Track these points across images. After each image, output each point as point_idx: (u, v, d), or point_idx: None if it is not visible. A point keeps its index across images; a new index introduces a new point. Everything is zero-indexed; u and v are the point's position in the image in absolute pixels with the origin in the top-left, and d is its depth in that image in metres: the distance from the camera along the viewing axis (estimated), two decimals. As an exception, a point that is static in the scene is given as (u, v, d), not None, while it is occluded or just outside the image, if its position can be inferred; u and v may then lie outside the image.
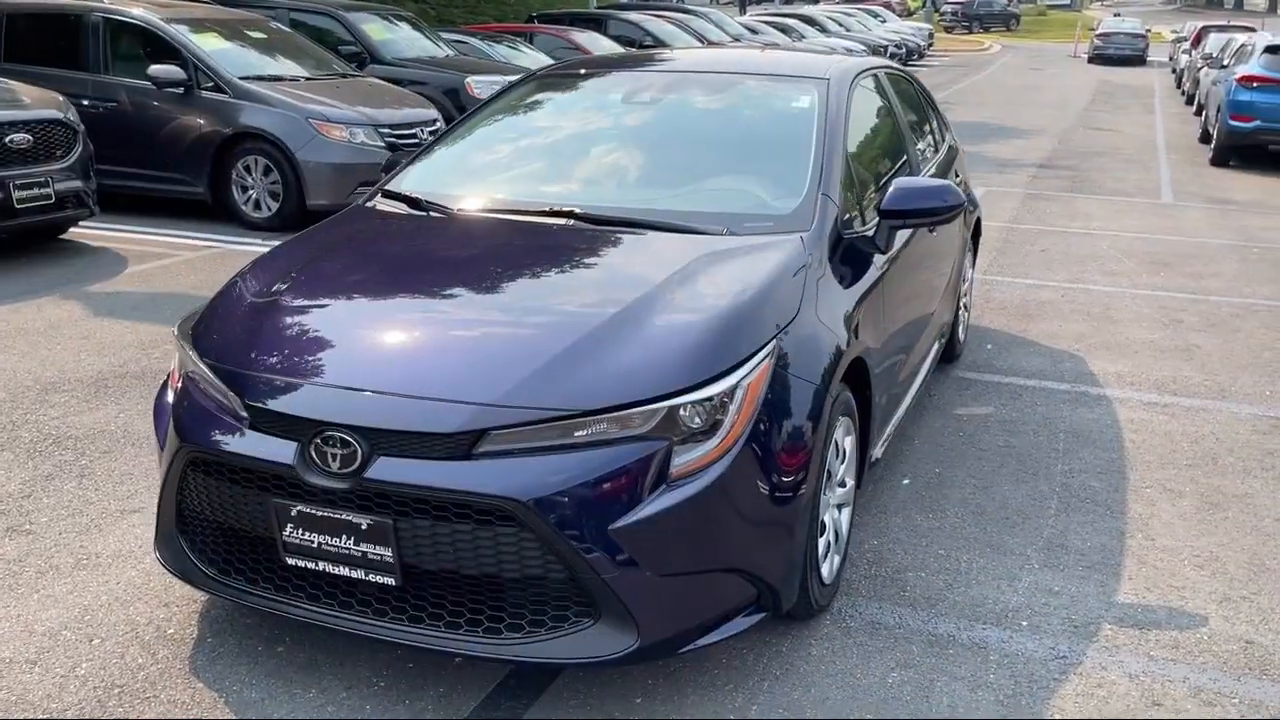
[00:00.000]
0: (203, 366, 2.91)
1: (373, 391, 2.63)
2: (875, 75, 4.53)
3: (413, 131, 9.35)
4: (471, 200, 3.70)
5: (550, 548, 2.50)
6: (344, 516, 2.59)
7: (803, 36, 25.78)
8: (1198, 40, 25.91)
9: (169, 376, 3.22)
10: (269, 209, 8.88)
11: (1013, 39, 49.26)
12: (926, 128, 5.14)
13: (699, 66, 4.46)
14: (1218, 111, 14.62)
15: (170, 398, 3.07)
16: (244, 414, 2.75)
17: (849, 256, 3.43)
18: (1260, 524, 3.90)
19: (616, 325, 2.77)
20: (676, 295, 2.91)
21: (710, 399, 2.60)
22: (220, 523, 2.85)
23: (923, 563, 3.55)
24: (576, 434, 2.54)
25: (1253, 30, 24.37)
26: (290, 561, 2.71)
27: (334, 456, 2.58)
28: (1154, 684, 2.91)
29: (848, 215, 3.52)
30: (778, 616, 2.93)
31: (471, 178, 3.98)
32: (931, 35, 36.68)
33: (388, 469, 2.54)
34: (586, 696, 2.81)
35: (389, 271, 3.26)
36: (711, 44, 19.71)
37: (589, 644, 2.55)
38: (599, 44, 16.74)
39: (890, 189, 3.63)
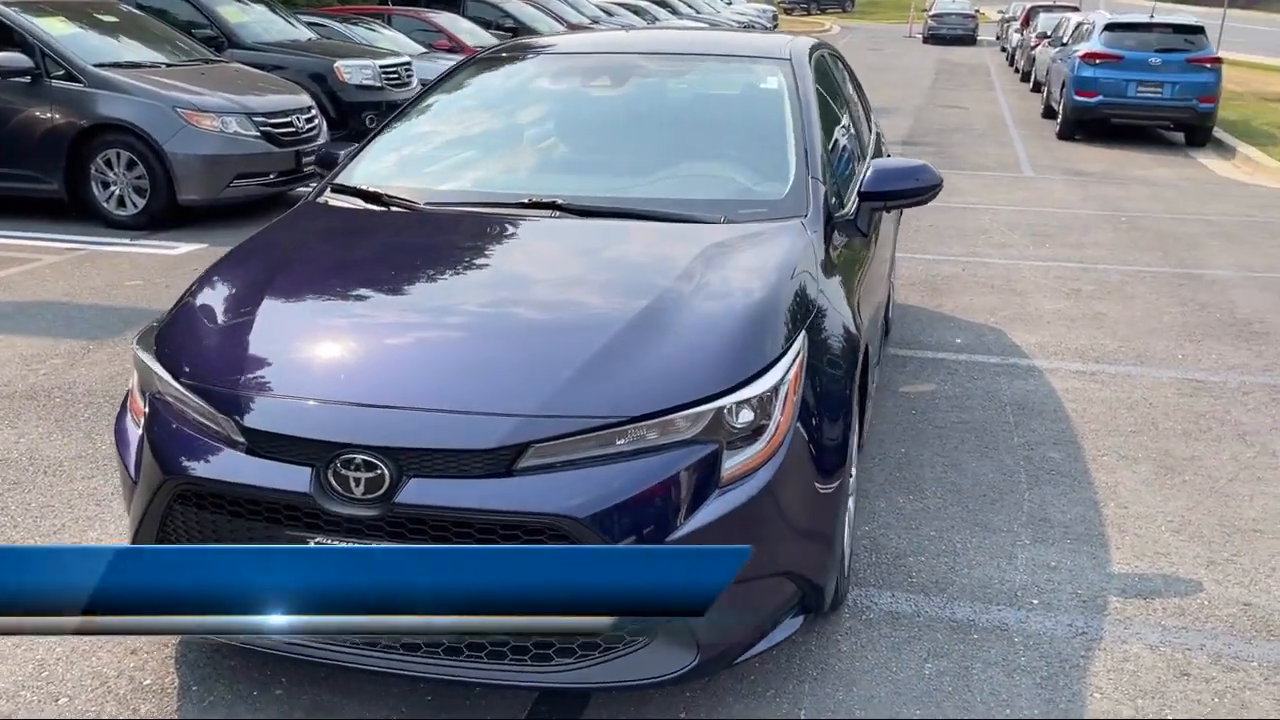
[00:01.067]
0: (179, 387, 2.61)
1: (398, 408, 2.40)
2: (823, 55, 4.48)
3: (289, 119, 8.87)
4: (438, 193, 3.47)
5: (606, 565, 2.33)
6: (372, 547, 2.36)
7: (656, 19, 25.75)
8: (1027, 20, 27.15)
9: (127, 400, 2.89)
10: (135, 206, 8.25)
11: (849, 20, 50.65)
12: (861, 108, 5.13)
13: (652, 47, 4.31)
14: (1062, 88, 15.32)
15: (134, 423, 2.75)
16: (240, 439, 2.47)
17: (842, 241, 3.36)
18: (1216, 485, 4.04)
19: (644, 324, 2.61)
20: (698, 289, 2.77)
21: (756, 397, 2.48)
22: (214, 560, 2.56)
23: (919, 547, 3.53)
24: (621, 443, 2.38)
25: (1075, 10, 25.80)
26: (305, 598, 2.46)
27: (357, 481, 2.34)
28: (1175, 653, 2.96)
29: (832, 199, 3.45)
30: (819, 616, 2.85)
31: (431, 169, 3.73)
32: (775, 17, 37.32)
33: (421, 492, 2.33)
34: (626, 715, 2.66)
35: (374, 274, 3.01)
36: (572, 26, 19.47)
37: (647, 664, 2.40)
38: (458, 25, 16.30)
39: (869, 170, 3.58)
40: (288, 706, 2.69)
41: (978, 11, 38.50)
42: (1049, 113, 16.88)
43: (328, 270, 3.07)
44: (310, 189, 3.69)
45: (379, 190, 3.47)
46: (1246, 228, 9.20)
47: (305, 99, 9.44)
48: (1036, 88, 20.67)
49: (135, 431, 2.74)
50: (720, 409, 2.44)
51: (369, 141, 3.83)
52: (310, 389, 2.51)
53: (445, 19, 16.34)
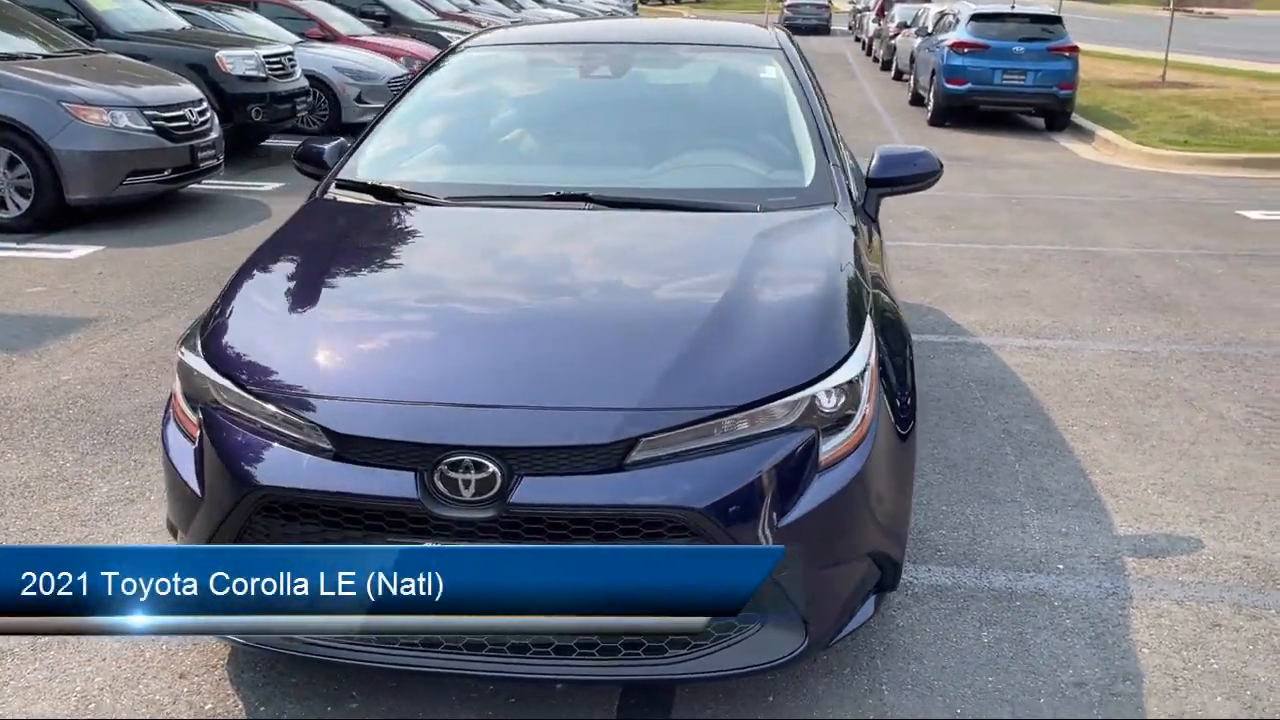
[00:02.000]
0: (248, 395, 2.48)
1: (506, 406, 2.35)
2: (797, 45, 4.55)
3: (181, 113, 8.45)
4: (456, 187, 3.38)
5: (723, 555, 2.34)
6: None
7: (521, 7, 25.55)
8: (882, 11, 28.08)
9: (170, 411, 2.72)
10: (18, 207, 7.72)
11: (705, 10, 51.27)
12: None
13: (642, 37, 4.29)
14: (931, 76, 15.93)
15: (186, 437, 2.60)
16: (326, 445, 2.37)
17: (864, 228, 3.43)
18: (1182, 449, 4.31)
19: (727, 313, 2.63)
20: (766, 278, 2.80)
21: (846, 383, 2.52)
22: (298, 574, 2.45)
23: (937, 521, 3.65)
24: (725, 432, 2.38)
25: (929, 1, 26.80)
26: (407, 607, 2.38)
27: (467, 483, 2.28)
28: (1200, 607, 3.16)
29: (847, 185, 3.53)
30: (890, 593, 2.91)
31: (439, 162, 3.64)
32: (635, 7, 37.52)
33: (536, 491, 2.29)
34: (717, 706, 2.67)
35: (429, 271, 2.93)
36: (443, 15, 19.13)
37: (758, 650, 2.42)
38: (330, 13, 15.77)
39: (875, 157, 3.67)
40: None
41: (830, 1, 39.66)
42: (916, 100, 17.51)
43: (378, 268, 2.96)
44: (318, 185, 3.53)
45: (392, 186, 3.36)
46: (1123, 206, 9.77)
47: (195, 91, 9.04)
48: (898, 76, 21.41)
49: (186, 445, 2.60)
50: (813, 396, 2.47)
51: (366, 135, 3.69)
52: (405, 390, 2.42)
53: (315, 6, 15.79)
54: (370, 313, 2.76)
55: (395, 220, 3.25)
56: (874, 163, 3.64)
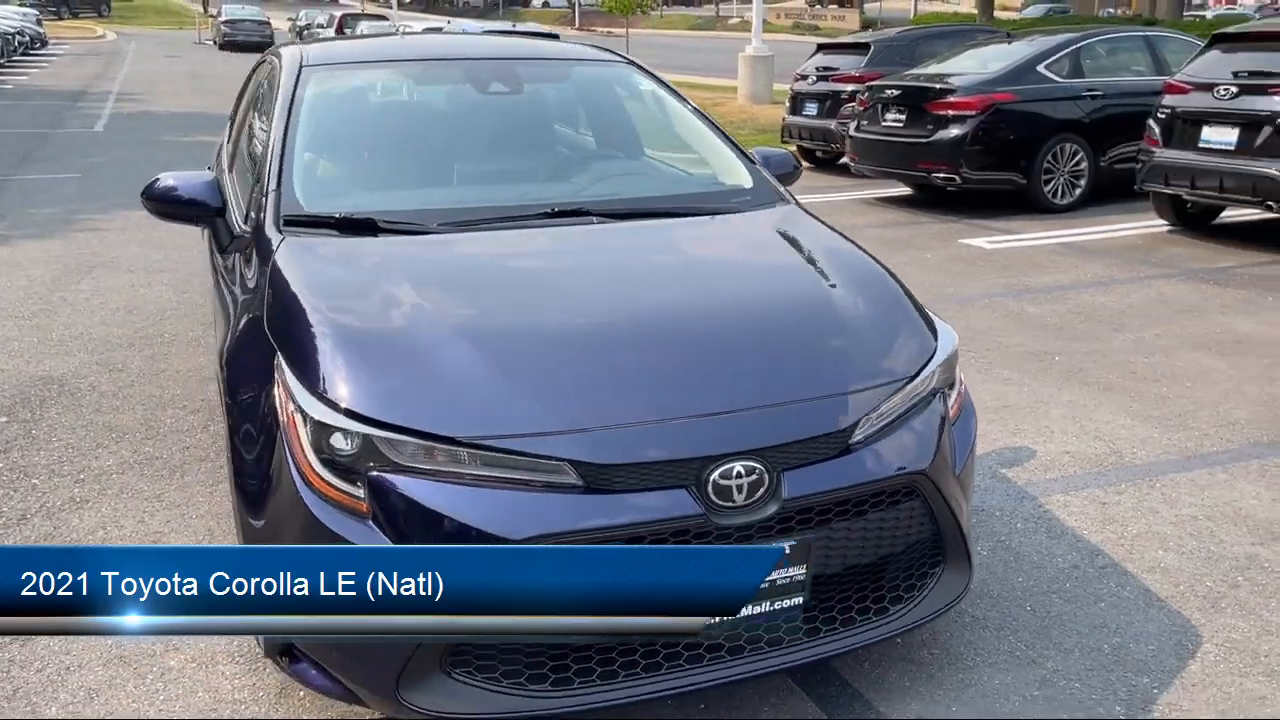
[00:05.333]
0: (452, 447, 2.24)
1: (754, 408, 2.40)
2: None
3: None
4: (442, 213, 3.11)
5: (931, 509, 2.60)
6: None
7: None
8: (341, 28, 28.05)
9: (309, 483, 2.29)
10: None
11: (115, 25, 46.38)
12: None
13: (496, 53, 4.17)
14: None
15: (340, 509, 2.25)
16: (574, 480, 2.25)
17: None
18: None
19: (845, 300, 2.85)
20: (831, 268, 3.04)
21: (953, 352, 2.88)
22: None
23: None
24: (901, 403, 2.63)
25: (384, 19, 27.27)
26: (684, 628, 2.31)
27: (740, 489, 2.31)
28: (1082, 492, 3.98)
29: (759, 183, 3.83)
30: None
31: (398, 189, 3.34)
32: (40, 20, 33.17)
33: (801, 483, 2.39)
34: (894, 677, 2.90)
35: (544, 296, 2.76)
36: None
37: (945, 592, 2.71)
38: None
39: (756, 157, 4.01)
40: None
41: (269, 18, 38.41)
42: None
43: (483, 297, 2.72)
44: (259, 222, 3.03)
45: (371, 218, 3.02)
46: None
47: None
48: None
49: (354, 521, 2.25)
50: (939, 365, 2.81)
51: (284, 169, 3.18)
52: (655, 409, 2.36)
53: None
54: (540, 341, 2.54)
55: (431, 250, 2.95)
56: (759, 161, 3.97)
